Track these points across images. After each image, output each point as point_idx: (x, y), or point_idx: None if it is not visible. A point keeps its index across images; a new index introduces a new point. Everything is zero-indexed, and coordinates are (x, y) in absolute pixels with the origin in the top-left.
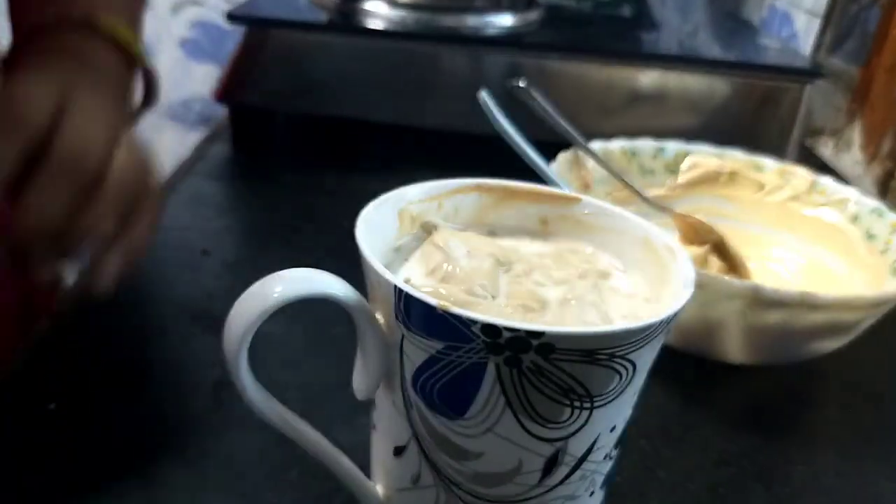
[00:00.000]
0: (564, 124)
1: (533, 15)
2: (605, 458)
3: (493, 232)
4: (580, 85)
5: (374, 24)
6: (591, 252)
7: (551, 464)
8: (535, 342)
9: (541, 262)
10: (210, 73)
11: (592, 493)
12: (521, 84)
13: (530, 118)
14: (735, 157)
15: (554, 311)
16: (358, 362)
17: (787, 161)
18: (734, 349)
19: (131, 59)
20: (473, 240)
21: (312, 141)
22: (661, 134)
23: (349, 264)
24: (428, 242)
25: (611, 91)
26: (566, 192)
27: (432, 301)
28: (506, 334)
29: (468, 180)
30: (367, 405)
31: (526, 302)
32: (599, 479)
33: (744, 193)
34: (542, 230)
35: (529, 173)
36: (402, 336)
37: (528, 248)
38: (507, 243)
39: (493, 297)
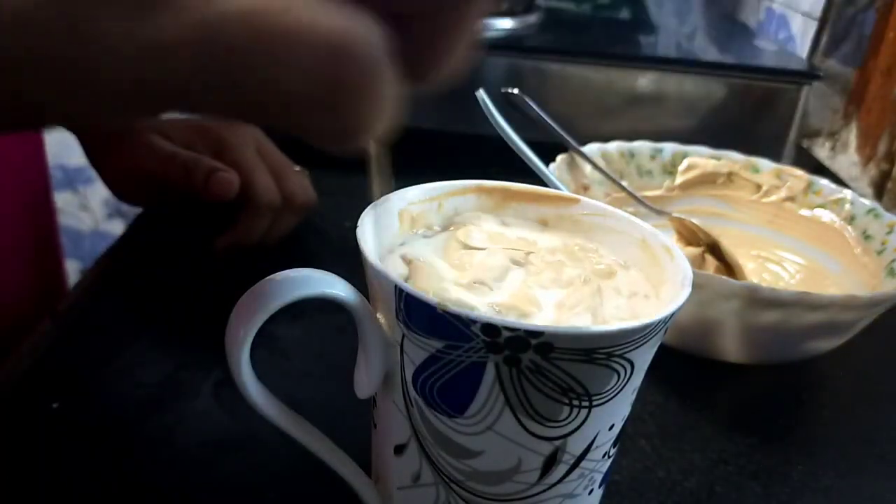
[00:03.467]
0: (559, 130)
1: (532, 18)
2: (603, 456)
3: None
4: (579, 87)
5: None
6: (596, 248)
7: (550, 462)
8: (533, 341)
9: (554, 258)
10: None
11: (591, 491)
12: (515, 91)
13: (529, 121)
14: (732, 159)
15: (546, 315)
16: (359, 361)
17: (784, 162)
18: (732, 349)
19: None
20: (496, 236)
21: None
22: (658, 136)
23: (349, 264)
24: (452, 237)
25: (609, 93)
26: (565, 193)
27: (432, 301)
28: (505, 333)
29: (468, 181)
30: (368, 404)
31: (520, 304)
32: (598, 478)
33: (741, 194)
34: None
35: (528, 174)
36: (403, 335)
37: (545, 242)
38: (528, 236)
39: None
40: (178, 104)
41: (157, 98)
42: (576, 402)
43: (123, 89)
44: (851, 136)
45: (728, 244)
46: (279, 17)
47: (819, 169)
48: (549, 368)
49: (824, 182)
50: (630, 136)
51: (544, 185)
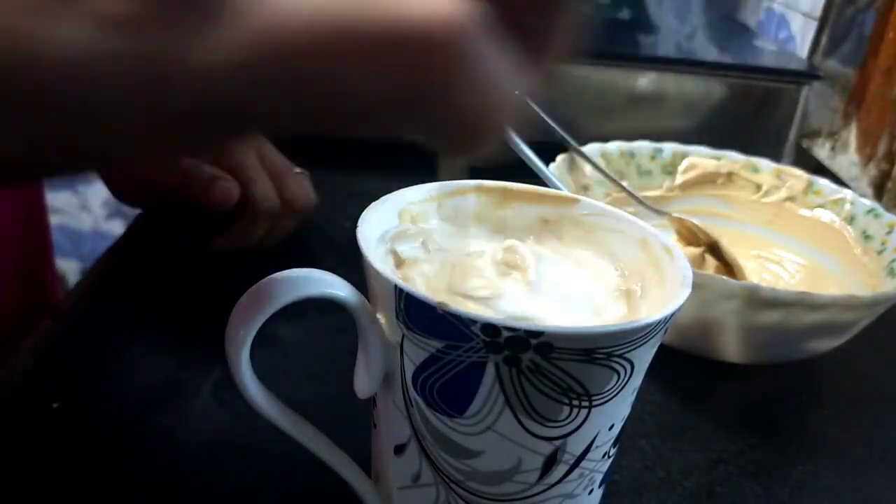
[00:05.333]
0: (559, 130)
1: None
2: (603, 456)
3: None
4: (579, 88)
5: None
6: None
7: (550, 462)
8: (533, 341)
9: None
10: None
11: (591, 491)
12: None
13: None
14: (732, 159)
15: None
16: (359, 361)
17: (784, 162)
18: (732, 349)
19: None
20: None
21: (313, 141)
22: (658, 136)
23: (349, 264)
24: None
25: (609, 93)
26: (565, 193)
27: (432, 301)
28: (505, 333)
29: (468, 181)
30: (368, 404)
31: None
32: (598, 478)
33: (741, 194)
34: (543, 231)
35: (529, 174)
36: (403, 335)
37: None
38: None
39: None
40: (246, 126)
41: (219, 124)
42: (576, 402)
43: (172, 119)
44: (851, 136)
45: (728, 244)
46: (347, 14)
47: (819, 169)
48: (549, 368)
49: (824, 182)
50: (630, 136)
51: (544, 185)
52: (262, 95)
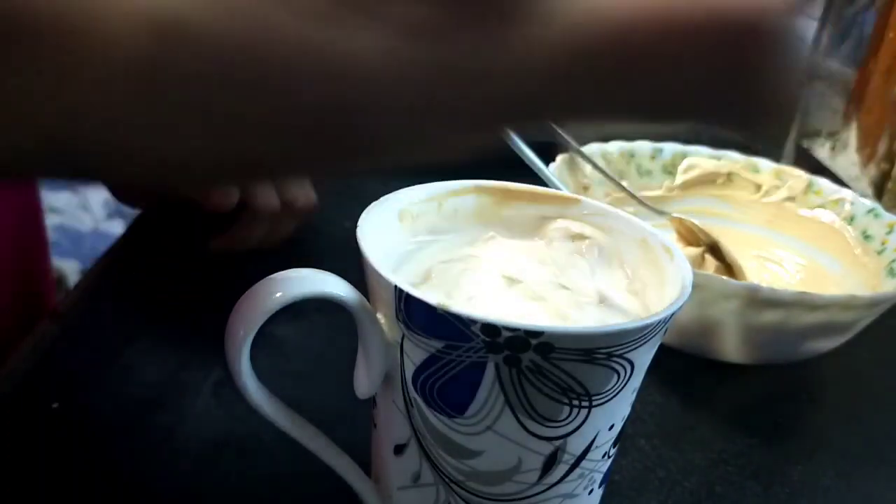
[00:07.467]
0: (559, 130)
1: None
2: (603, 456)
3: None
4: None
5: None
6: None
7: (550, 462)
8: (533, 341)
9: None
10: None
11: (591, 491)
12: None
13: None
14: (732, 159)
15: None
16: (359, 361)
17: (784, 162)
18: (732, 349)
19: None
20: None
21: None
22: (658, 136)
23: (350, 264)
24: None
25: None
26: (565, 193)
27: (432, 301)
28: (505, 333)
29: (468, 181)
30: (368, 404)
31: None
32: (598, 478)
33: (741, 194)
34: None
35: (529, 174)
36: (403, 335)
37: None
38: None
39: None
40: (542, 119)
41: (514, 120)
42: (576, 402)
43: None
44: (852, 136)
45: (728, 244)
46: (670, 6)
47: (819, 169)
48: (549, 368)
49: (824, 182)
50: (630, 136)
51: (544, 185)
52: (566, 92)
